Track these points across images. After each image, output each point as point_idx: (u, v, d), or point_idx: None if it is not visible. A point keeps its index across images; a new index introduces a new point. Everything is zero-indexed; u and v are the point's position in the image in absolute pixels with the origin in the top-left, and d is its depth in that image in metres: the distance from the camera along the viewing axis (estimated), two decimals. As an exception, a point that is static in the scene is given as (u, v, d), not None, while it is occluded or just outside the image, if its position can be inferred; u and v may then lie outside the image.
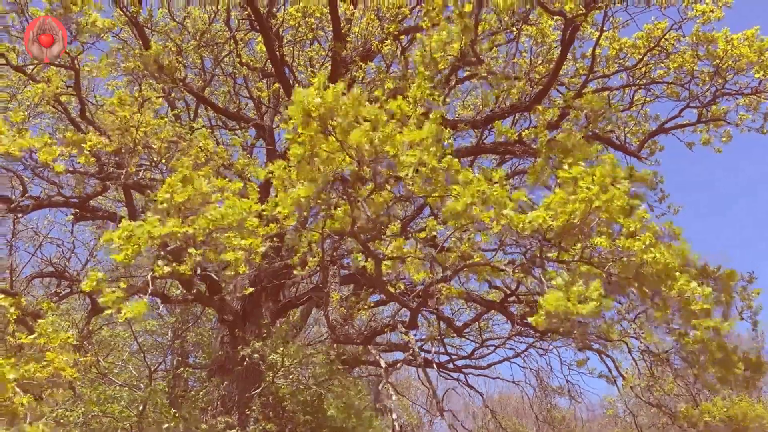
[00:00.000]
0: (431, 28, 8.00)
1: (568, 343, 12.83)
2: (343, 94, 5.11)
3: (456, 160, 5.40)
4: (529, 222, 4.77)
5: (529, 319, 4.56)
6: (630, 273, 4.94)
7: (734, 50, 9.76)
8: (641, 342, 10.11)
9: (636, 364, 11.68)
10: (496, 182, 5.10)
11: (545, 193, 5.46)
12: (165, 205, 5.48)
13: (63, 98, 9.95)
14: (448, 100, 12.04)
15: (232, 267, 5.99)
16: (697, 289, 4.88)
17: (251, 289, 9.20)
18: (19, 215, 9.49)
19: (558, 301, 4.14)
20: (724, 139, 10.92)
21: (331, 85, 5.20)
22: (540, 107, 9.67)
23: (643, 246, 4.73)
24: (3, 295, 8.51)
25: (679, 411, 10.89)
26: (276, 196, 6.03)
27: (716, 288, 5.62)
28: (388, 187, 5.89)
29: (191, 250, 5.80)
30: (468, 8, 7.75)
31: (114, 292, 5.25)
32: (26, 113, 10.86)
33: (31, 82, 9.15)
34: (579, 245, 5.19)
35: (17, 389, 6.65)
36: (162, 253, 5.57)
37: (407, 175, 5.24)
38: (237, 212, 5.69)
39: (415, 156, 5.05)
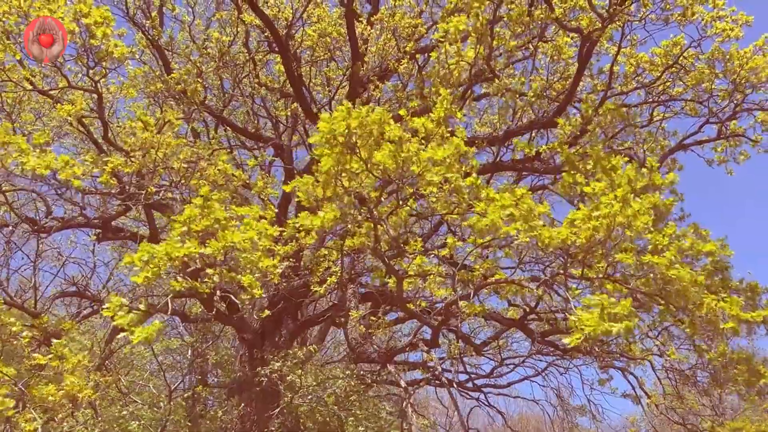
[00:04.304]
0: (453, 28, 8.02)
1: (590, 362, 12.66)
2: (368, 114, 5.14)
3: (479, 179, 5.39)
4: (555, 238, 4.72)
5: (565, 340, 4.49)
6: (655, 289, 4.87)
7: (748, 63, 9.67)
8: (665, 359, 9.95)
9: (660, 382, 11.49)
10: (519, 198, 5.07)
11: (569, 209, 5.41)
12: (184, 228, 5.54)
13: (86, 120, 10.13)
14: (464, 112, 12.06)
15: (248, 291, 6.05)
16: (726, 308, 4.77)
17: (267, 312, 9.22)
18: (44, 236, 9.63)
19: (596, 323, 4.07)
20: (741, 157, 10.84)
21: (352, 107, 5.24)
22: (561, 120, 9.65)
23: (668, 263, 4.66)
24: (25, 315, 8.65)
25: (706, 429, 10.68)
26: (297, 215, 6.06)
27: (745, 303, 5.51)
28: (409, 204, 5.90)
29: (209, 270, 5.87)
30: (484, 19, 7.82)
31: (129, 314, 5.28)
32: (51, 133, 11.09)
33: (57, 105, 9.35)
34: (603, 263, 5.13)
35: (32, 411, 6.71)
36: (182, 274, 5.62)
37: (431, 192, 5.25)
38: (252, 234, 5.74)
39: (440, 174, 5.06)
